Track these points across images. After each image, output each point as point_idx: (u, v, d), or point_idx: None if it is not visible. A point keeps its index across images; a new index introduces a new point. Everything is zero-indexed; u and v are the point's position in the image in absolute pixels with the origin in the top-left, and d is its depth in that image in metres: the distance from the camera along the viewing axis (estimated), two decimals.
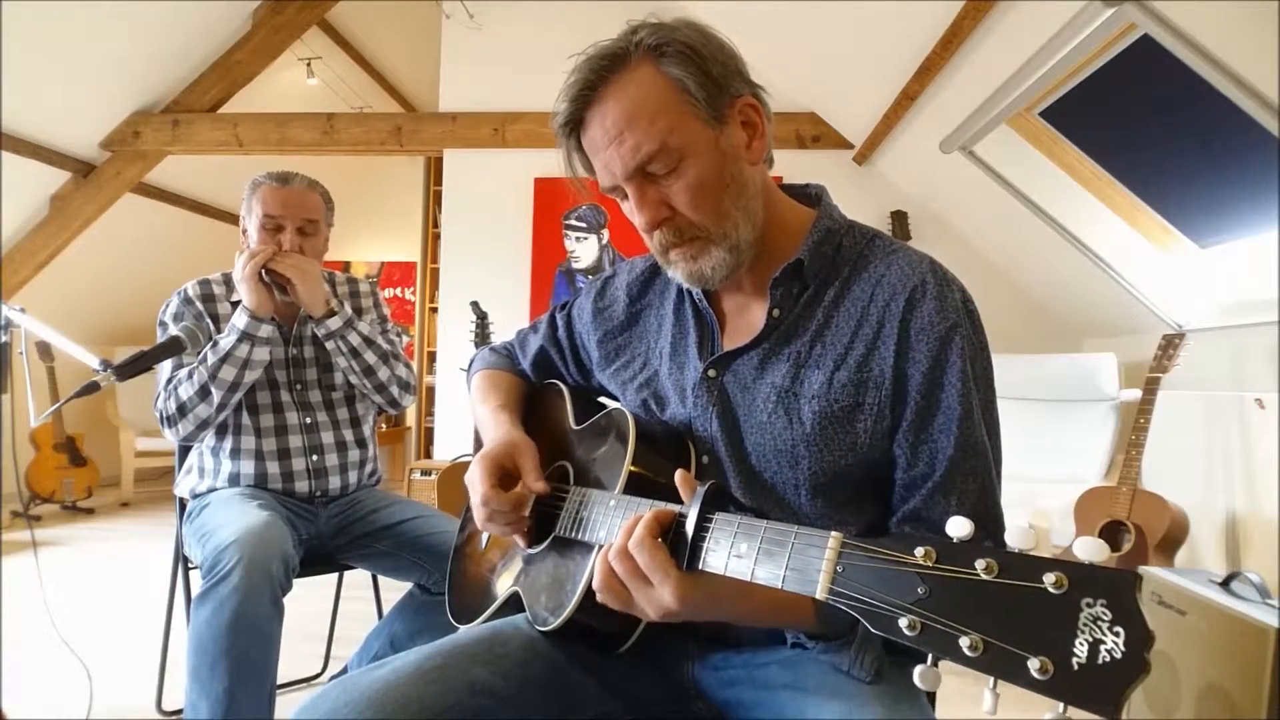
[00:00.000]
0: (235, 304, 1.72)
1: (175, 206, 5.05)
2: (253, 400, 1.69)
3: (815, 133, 3.93)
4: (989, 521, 0.80)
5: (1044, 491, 2.60)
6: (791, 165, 3.84)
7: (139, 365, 1.39)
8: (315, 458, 1.71)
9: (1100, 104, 2.64)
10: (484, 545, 1.10)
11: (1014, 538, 0.50)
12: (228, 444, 1.68)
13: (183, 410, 1.59)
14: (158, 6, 3.63)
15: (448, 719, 0.77)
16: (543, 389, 1.16)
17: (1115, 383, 2.90)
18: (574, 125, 0.84)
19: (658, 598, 0.71)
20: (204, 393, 1.58)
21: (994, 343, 0.86)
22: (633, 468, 0.86)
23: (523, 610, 0.92)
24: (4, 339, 1.60)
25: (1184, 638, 1.57)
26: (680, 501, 0.75)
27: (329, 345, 1.71)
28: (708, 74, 0.80)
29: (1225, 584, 1.59)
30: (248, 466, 1.66)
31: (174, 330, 1.52)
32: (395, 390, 1.79)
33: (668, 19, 0.83)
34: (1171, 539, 2.10)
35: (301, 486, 1.69)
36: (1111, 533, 2.17)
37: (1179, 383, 2.41)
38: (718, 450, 0.87)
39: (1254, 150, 2.14)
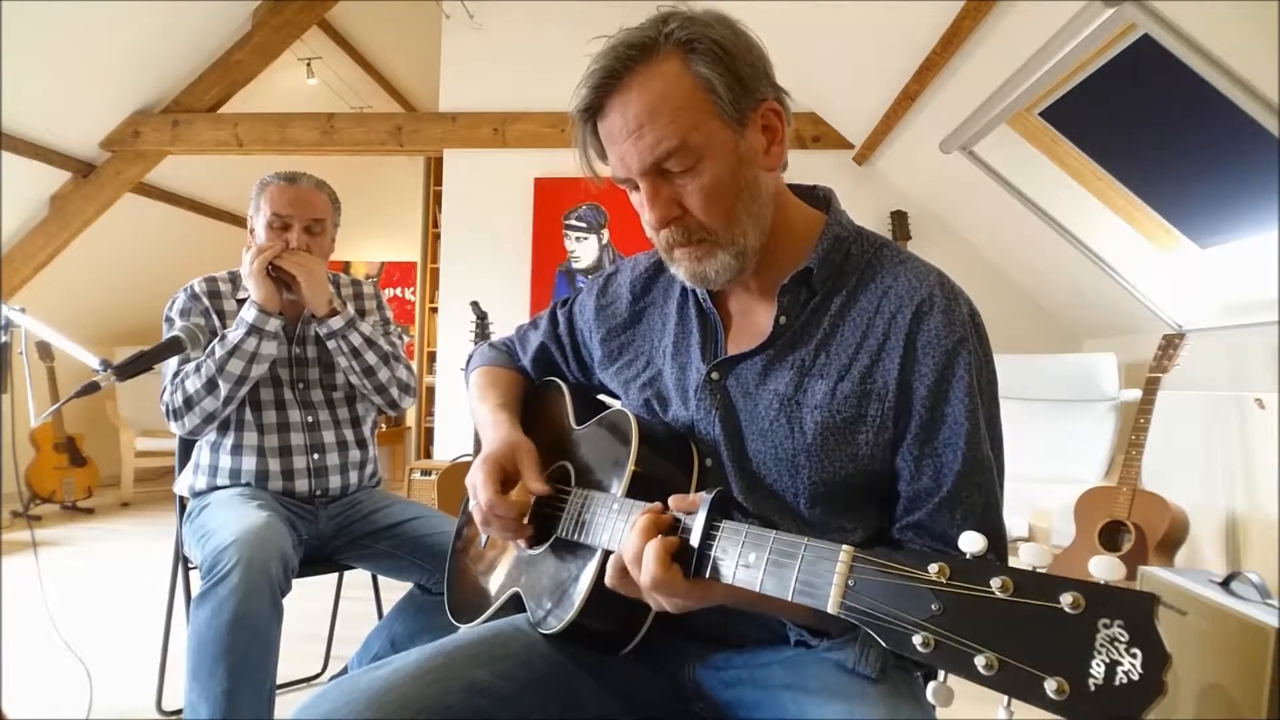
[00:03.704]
0: (240, 302, 1.73)
1: (175, 206, 5.04)
2: (256, 397, 1.69)
3: (815, 133, 3.93)
4: (992, 536, 0.80)
5: (1044, 491, 2.59)
6: (791, 165, 3.78)
7: (139, 365, 1.39)
8: (316, 456, 1.72)
9: (1100, 104, 2.64)
10: (484, 545, 1.10)
11: (1028, 555, 0.49)
12: (229, 440, 1.68)
13: (189, 403, 1.60)
14: (158, 6, 3.62)
15: (447, 719, 0.77)
16: (542, 387, 1.15)
17: (1115, 383, 2.90)
18: (593, 112, 0.82)
19: (668, 604, 0.72)
20: (211, 386, 1.59)
21: (994, 343, 0.85)
22: (635, 469, 0.85)
23: (523, 610, 0.92)
24: (4, 339, 1.60)
25: (1184, 638, 1.57)
26: None
27: (330, 345, 1.71)
28: (736, 75, 0.78)
29: (1225, 584, 1.59)
30: (249, 463, 1.66)
31: (178, 326, 1.52)
32: (395, 392, 1.79)
33: (699, 9, 0.81)
34: (1171, 539, 2.10)
35: (301, 485, 1.69)
36: (1111, 533, 2.17)
37: (1179, 383, 2.41)
38: (721, 454, 0.86)
39: (1254, 150, 2.13)
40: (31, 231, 4.10)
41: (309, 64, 4.78)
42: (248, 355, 1.60)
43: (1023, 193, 3.02)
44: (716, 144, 0.79)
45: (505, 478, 0.94)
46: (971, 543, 0.52)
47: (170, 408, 1.62)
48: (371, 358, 1.74)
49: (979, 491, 0.79)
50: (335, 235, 1.82)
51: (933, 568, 0.53)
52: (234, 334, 1.61)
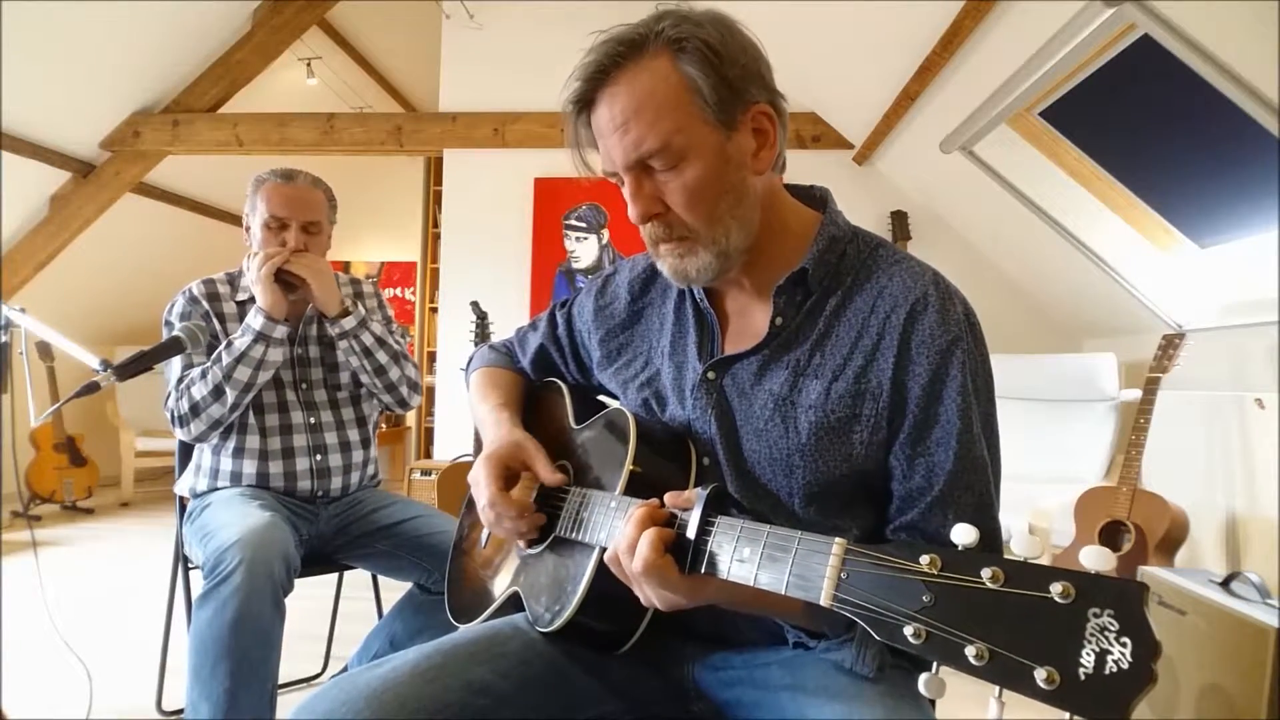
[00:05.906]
0: (240, 303, 1.73)
1: (175, 206, 5.04)
2: (258, 400, 1.68)
3: (815, 133, 3.93)
4: (986, 535, 0.80)
5: (1044, 492, 2.59)
6: (791, 165, 3.77)
7: (139, 365, 1.39)
8: (319, 457, 1.71)
9: (1100, 104, 2.64)
10: (483, 544, 1.10)
11: (1019, 546, 0.49)
12: (231, 443, 1.67)
13: (196, 410, 1.59)
14: (158, 6, 3.63)
15: (446, 718, 0.77)
16: (542, 387, 1.15)
17: (1115, 383, 2.90)
18: (584, 104, 0.83)
19: (658, 597, 0.73)
20: (218, 393, 1.59)
21: (994, 343, 0.85)
22: (633, 468, 0.85)
23: (522, 610, 0.92)
24: (4, 339, 1.60)
25: (1184, 638, 1.57)
26: None
27: (342, 345, 1.71)
28: (724, 78, 0.78)
29: (1225, 584, 1.59)
30: (250, 466, 1.66)
31: (178, 328, 1.52)
32: (405, 390, 1.79)
33: (698, 8, 0.81)
34: (1171, 539, 2.09)
35: (304, 486, 1.69)
36: (1111, 533, 2.17)
37: (1179, 383, 2.41)
38: (717, 453, 0.87)
39: (1254, 150, 2.13)
40: (31, 231, 4.10)
41: (309, 64, 4.78)
42: (254, 362, 1.60)
43: (1023, 192, 3.03)
44: (701, 145, 0.79)
45: (509, 475, 0.94)
46: (963, 535, 0.52)
47: (176, 414, 1.61)
48: (383, 356, 1.74)
49: (971, 492, 0.79)
50: (331, 233, 1.81)
51: (924, 559, 0.53)
52: (240, 341, 1.60)
